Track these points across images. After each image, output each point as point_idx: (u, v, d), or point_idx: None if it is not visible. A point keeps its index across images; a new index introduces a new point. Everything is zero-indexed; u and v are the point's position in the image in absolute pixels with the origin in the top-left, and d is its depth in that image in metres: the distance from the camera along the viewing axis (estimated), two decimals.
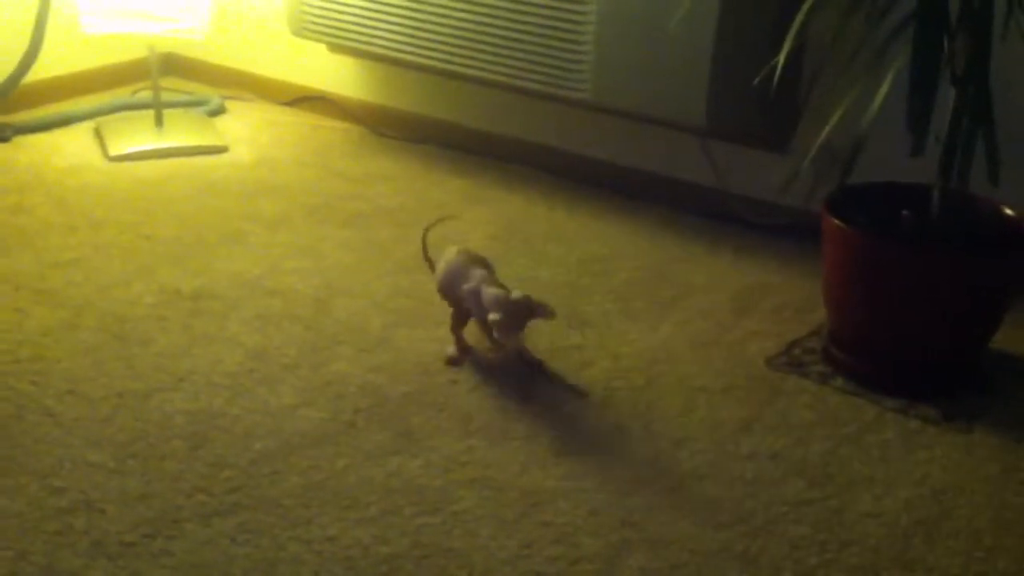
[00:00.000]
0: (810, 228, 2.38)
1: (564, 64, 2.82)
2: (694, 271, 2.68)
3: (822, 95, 2.20)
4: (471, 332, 2.29)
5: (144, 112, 3.41)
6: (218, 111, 3.56)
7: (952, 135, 2.11)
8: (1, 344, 2.25)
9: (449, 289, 2.25)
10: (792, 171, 2.30)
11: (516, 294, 2.13)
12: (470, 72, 3.00)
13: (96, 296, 2.45)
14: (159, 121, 3.31)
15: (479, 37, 2.95)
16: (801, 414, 2.14)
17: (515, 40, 2.89)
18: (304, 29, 3.28)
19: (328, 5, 3.20)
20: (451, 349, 2.26)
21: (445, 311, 2.28)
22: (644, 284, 2.61)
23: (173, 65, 3.81)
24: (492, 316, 2.08)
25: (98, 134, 3.32)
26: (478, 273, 2.20)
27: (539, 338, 2.35)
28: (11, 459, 1.92)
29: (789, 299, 2.56)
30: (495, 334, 2.11)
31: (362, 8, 3.13)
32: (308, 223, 2.86)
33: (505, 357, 2.25)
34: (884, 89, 2.15)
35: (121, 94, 3.64)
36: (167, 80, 3.66)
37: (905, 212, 2.24)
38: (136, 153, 3.20)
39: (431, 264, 2.38)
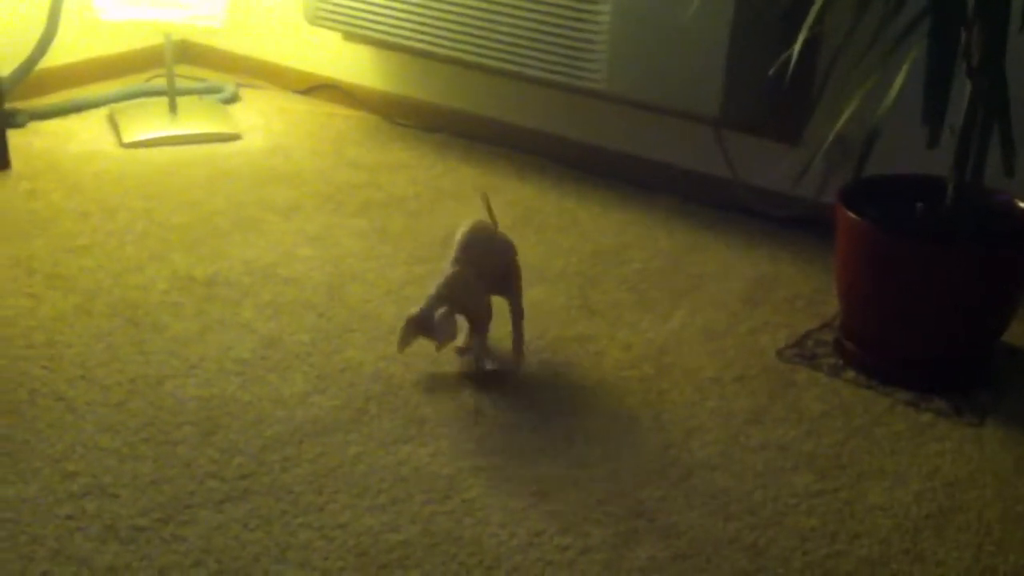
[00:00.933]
0: (823, 220, 2.37)
1: (579, 54, 2.82)
2: (706, 262, 2.68)
3: (836, 87, 2.19)
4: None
5: (158, 99, 3.42)
6: (232, 99, 3.56)
7: (967, 128, 2.10)
8: (14, 329, 2.26)
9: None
10: (805, 163, 2.29)
11: (412, 310, 2.12)
12: (484, 61, 3.00)
13: (109, 282, 2.46)
14: (173, 108, 3.32)
15: (494, 26, 2.95)
16: (812, 406, 2.14)
17: (530, 29, 2.89)
18: (319, 17, 3.28)
19: None
20: (461, 340, 2.23)
21: None
22: (656, 274, 2.61)
23: (187, 52, 3.82)
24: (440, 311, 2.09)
25: (112, 120, 3.33)
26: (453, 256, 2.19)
27: (550, 328, 2.35)
28: (24, 443, 1.93)
29: (801, 291, 2.56)
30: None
31: None
32: (321, 211, 2.86)
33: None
34: (899, 81, 2.14)
35: (135, 81, 3.65)
36: (181, 67, 3.66)
37: (919, 204, 2.23)
38: (150, 140, 3.21)
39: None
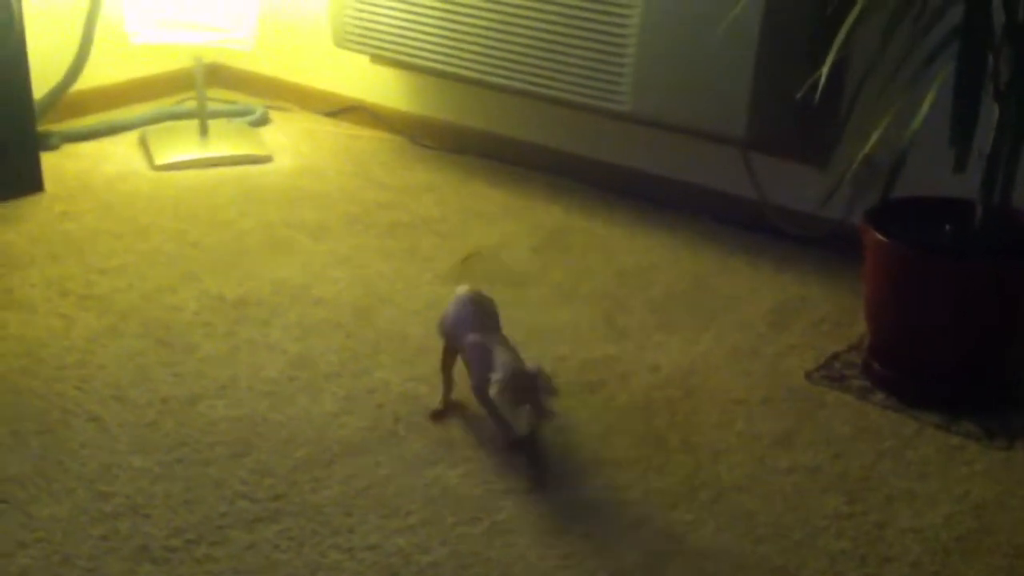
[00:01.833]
0: (851, 241, 2.37)
1: (604, 76, 2.84)
2: (733, 283, 2.68)
3: (864, 108, 2.20)
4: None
5: (189, 122, 3.45)
6: (262, 121, 3.60)
7: (995, 150, 2.10)
8: (48, 350, 2.29)
9: (451, 331, 2.11)
10: (833, 184, 2.30)
11: (531, 365, 1.96)
12: (510, 83, 3.01)
13: (141, 302, 2.49)
14: (204, 131, 3.35)
15: (520, 49, 2.97)
16: (841, 428, 2.14)
17: (556, 52, 2.90)
18: (347, 40, 3.31)
19: (370, 17, 3.22)
20: (438, 403, 2.15)
21: None
22: (683, 296, 2.62)
23: (217, 75, 3.86)
24: (495, 376, 1.93)
25: (144, 143, 3.36)
26: (489, 324, 2.07)
27: (577, 350, 2.36)
28: (58, 464, 1.95)
29: (829, 312, 2.55)
30: (494, 396, 1.97)
31: (404, 20, 3.15)
32: (349, 232, 2.88)
33: (498, 427, 2.05)
34: (927, 104, 2.15)
35: (166, 103, 3.69)
36: (211, 90, 3.70)
37: (947, 226, 2.23)
38: (181, 162, 3.24)
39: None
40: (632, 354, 2.37)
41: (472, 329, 2.06)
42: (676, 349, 2.39)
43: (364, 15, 3.24)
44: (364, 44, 3.28)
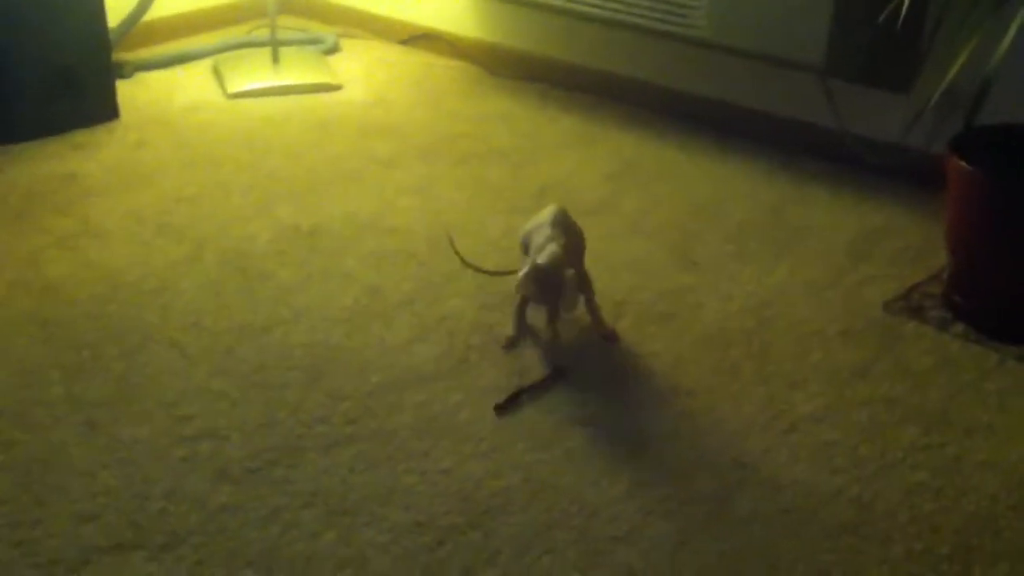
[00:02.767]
0: (932, 170, 2.32)
1: (682, 0, 2.78)
2: (811, 213, 2.64)
3: (948, 34, 2.13)
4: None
5: (261, 50, 3.46)
6: (333, 49, 3.59)
7: None
8: (126, 277, 2.32)
9: (524, 239, 2.15)
10: (915, 112, 2.24)
11: (547, 259, 2.00)
12: (586, 10, 2.97)
13: (217, 232, 2.51)
14: (276, 59, 3.36)
15: None
16: (919, 360, 2.11)
17: None
18: None
19: None
20: (510, 327, 2.16)
21: None
22: (759, 226, 2.58)
23: (289, 3, 3.85)
24: (524, 268, 1.99)
25: (216, 71, 3.38)
26: (558, 235, 2.08)
27: (650, 280, 2.34)
28: (139, 387, 1.99)
29: (909, 243, 2.51)
30: (518, 286, 2.02)
31: None
32: (422, 162, 2.88)
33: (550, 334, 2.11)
34: (1013, 30, 2.07)
35: (238, 32, 3.69)
36: (283, 18, 3.69)
37: None
38: (253, 90, 3.25)
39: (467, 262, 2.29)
40: (706, 284, 2.34)
41: (538, 233, 2.08)
42: (751, 280, 2.36)
43: None
44: None
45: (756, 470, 1.82)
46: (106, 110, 3.03)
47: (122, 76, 3.28)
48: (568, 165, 2.87)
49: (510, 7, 3.35)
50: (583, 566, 1.63)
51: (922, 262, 2.43)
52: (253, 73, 3.32)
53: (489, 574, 1.61)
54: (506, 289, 2.23)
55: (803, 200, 2.70)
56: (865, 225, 2.58)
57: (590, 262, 2.25)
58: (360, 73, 3.44)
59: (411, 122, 3.11)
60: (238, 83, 3.27)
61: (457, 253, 2.26)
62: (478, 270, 2.26)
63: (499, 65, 3.46)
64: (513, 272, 2.19)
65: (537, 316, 2.16)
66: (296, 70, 3.35)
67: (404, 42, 3.66)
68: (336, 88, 3.31)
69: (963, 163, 2.13)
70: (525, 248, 2.16)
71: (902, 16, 2.04)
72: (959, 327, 2.20)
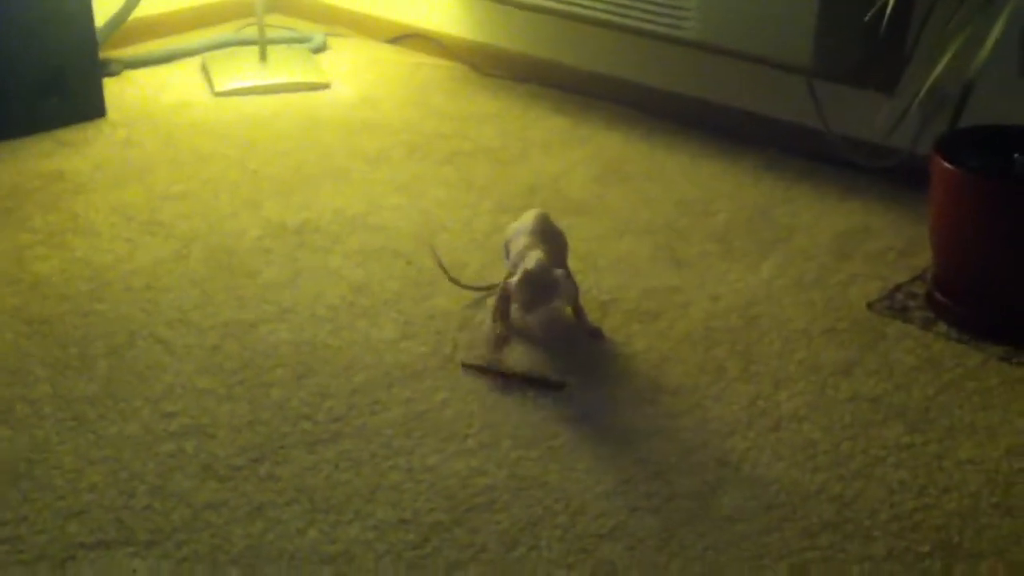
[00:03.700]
0: (917, 170, 2.33)
1: (670, 2, 2.79)
2: (796, 213, 2.65)
3: (932, 35, 2.14)
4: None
5: (249, 48, 3.46)
6: (321, 48, 3.60)
7: None
8: (114, 274, 2.32)
9: (508, 245, 2.17)
10: (900, 112, 2.25)
11: (534, 264, 2.02)
12: (573, 10, 2.98)
13: (204, 228, 2.51)
14: (263, 57, 3.36)
15: None
16: (903, 359, 2.12)
17: None
18: None
19: None
20: (497, 327, 2.16)
21: None
22: (744, 225, 2.59)
23: (277, 1, 3.86)
24: (519, 269, 2.02)
25: (204, 69, 3.38)
26: (538, 242, 2.10)
27: (636, 279, 2.35)
28: (125, 384, 1.99)
29: (893, 242, 2.52)
30: (513, 287, 2.03)
31: None
32: (409, 160, 2.88)
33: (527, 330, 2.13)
34: (997, 31, 2.09)
35: (226, 30, 3.69)
36: (271, 17, 3.70)
37: (1017, 155, 2.18)
38: (241, 88, 3.26)
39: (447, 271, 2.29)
40: (692, 284, 2.35)
41: (519, 238, 2.11)
42: (737, 279, 2.38)
43: None
44: None
45: (740, 468, 1.83)
46: (94, 108, 3.03)
47: (110, 74, 3.28)
48: (555, 164, 2.88)
49: (498, 7, 3.35)
50: (568, 563, 1.63)
51: (906, 262, 2.44)
52: (241, 71, 3.33)
53: (474, 571, 1.62)
54: (493, 290, 2.24)
55: (789, 200, 2.71)
56: (850, 225, 2.60)
57: (576, 262, 2.26)
58: (348, 72, 3.45)
59: (398, 121, 3.12)
60: (226, 81, 3.28)
61: (445, 271, 2.26)
62: (464, 287, 2.26)
63: (487, 64, 3.47)
64: (495, 286, 2.21)
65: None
66: (284, 68, 3.35)
67: (392, 41, 3.66)
68: (324, 86, 3.32)
69: (947, 163, 2.14)
70: (507, 252, 2.17)
71: (886, 16, 2.06)
72: (942, 327, 2.21)
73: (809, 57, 2.63)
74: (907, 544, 1.68)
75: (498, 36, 3.45)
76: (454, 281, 2.26)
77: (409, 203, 2.66)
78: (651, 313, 2.25)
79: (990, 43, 2.09)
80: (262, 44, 3.35)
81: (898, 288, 2.34)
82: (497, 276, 2.31)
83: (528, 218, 2.17)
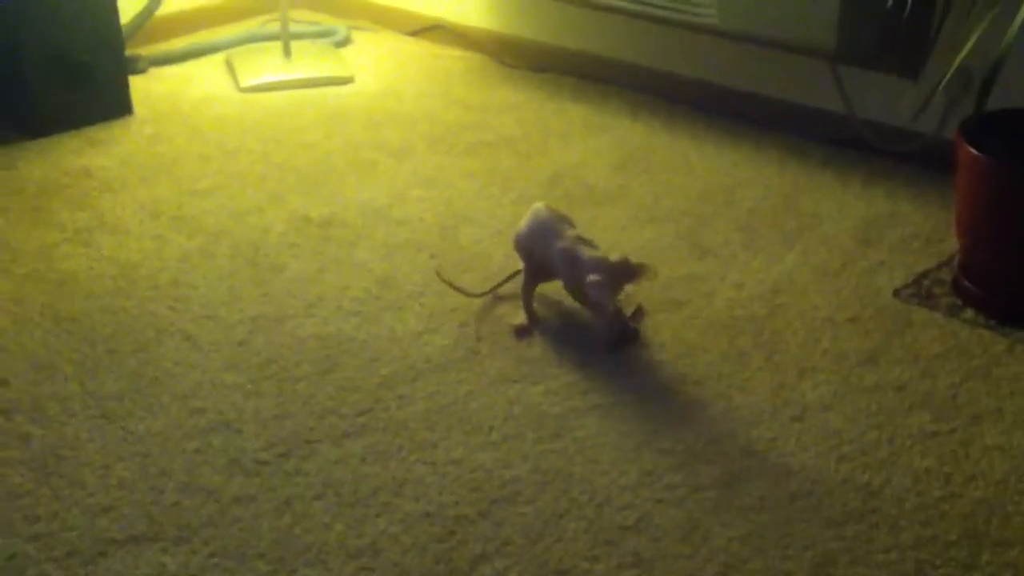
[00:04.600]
0: (943, 156, 2.32)
1: None
2: (821, 200, 2.64)
3: (957, 18, 2.13)
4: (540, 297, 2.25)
5: (273, 43, 3.47)
6: (344, 42, 3.61)
7: None
8: (141, 270, 2.35)
9: (532, 245, 2.16)
10: (925, 97, 2.24)
11: (615, 256, 2.05)
12: None
13: (231, 224, 2.53)
14: (287, 52, 3.37)
15: None
16: (928, 346, 2.11)
17: None
18: None
19: None
20: (520, 317, 2.18)
21: None
22: (769, 213, 2.59)
23: None
24: (592, 278, 2.00)
25: (229, 65, 3.39)
26: (571, 232, 2.11)
27: (661, 268, 2.35)
28: (153, 380, 2.01)
29: (919, 229, 2.51)
30: (594, 297, 2.01)
31: None
32: (433, 152, 2.89)
33: (605, 321, 2.09)
34: (1023, 12, 2.07)
35: (250, 25, 3.71)
36: (294, 12, 3.71)
37: None
38: (266, 84, 3.27)
39: (458, 287, 2.28)
40: (716, 272, 2.35)
41: (558, 237, 2.10)
42: (761, 267, 2.37)
43: None
44: None
45: (765, 458, 1.83)
46: (121, 105, 3.05)
47: (136, 71, 3.30)
48: (577, 154, 2.88)
49: None
50: (594, 555, 1.64)
51: (932, 248, 2.43)
52: (265, 66, 3.34)
53: (499, 564, 1.63)
54: (517, 281, 2.24)
55: (813, 187, 2.70)
56: (875, 211, 2.58)
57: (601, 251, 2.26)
58: (371, 65, 3.46)
59: (421, 113, 3.13)
60: (251, 77, 3.29)
61: (462, 291, 2.26)
62: (483, 294, 2.26)
63: (508, 55, 3.47)
64: (512, 276, 2.23)
65: (541, 306, 2.17)
66: (308, 63, 3.37)
67: (413, 33, 3.67)
68: (348, 80, 3.33)
69: (972, 149, 2.13)
70: (527, 255, 2.17)
71: (910, 0, 2.04)
72: (969, 313, 2.20)
73: (832, 41, 2.62)
74: (934, 533, 1.68)
75: (518, 26, 3.45)
76: (472, 294, 2.25)
77: (433, 195, 2.67)
78: (675, 302, 2.25)
79: (1015, 25, 2.07)
80: (286, 39, 3.37)
81: (924, 275, 2.33)
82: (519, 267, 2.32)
83: (543, 214, 2.16)
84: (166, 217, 2.56)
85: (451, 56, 3.53)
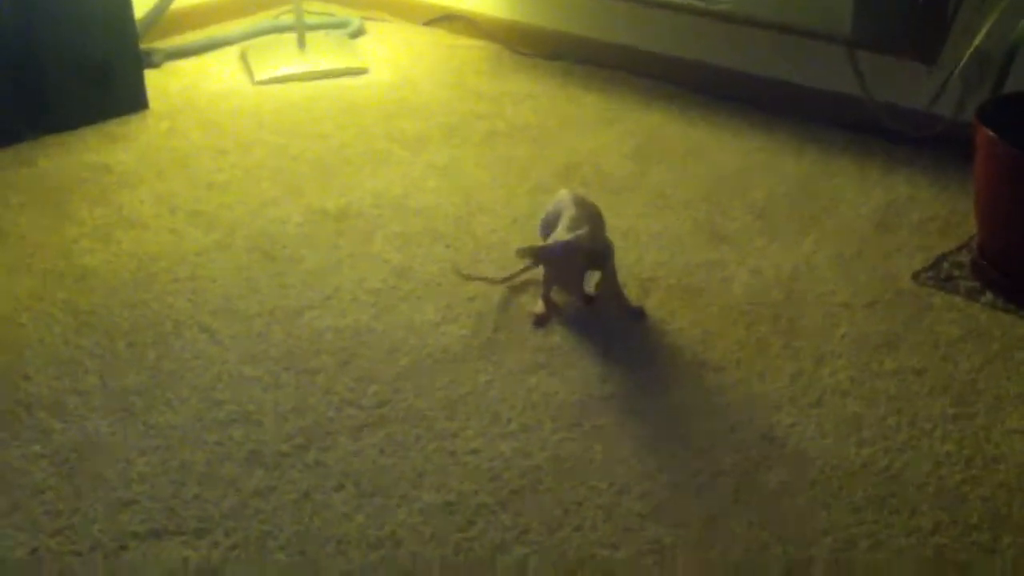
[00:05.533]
0: (960, 140, 2.31)
1: None
2: (838, 185, 2.63)
3: (974, 1, 2.11)
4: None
5: (287, 35, 3.48)
6: (358, 33, 3.60)
7: None
8: (159, 264, 2.35)
9: (544, 234, 2.19)
10: (942, 81, 2.23)
11: (570, 236, 2.05)
12: None
13: (247, 217, 2.54)
14: (302, 44, 3.37)
15: None
16: (948, 330, 2.10)
17: None
18: None
19: None
20: (539, 306, 2.18)
21: None
22: (786, 199, 2.58)
23: None
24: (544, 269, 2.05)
25: (244, 58, 3.40)
26: (569, 213, 2.12)
27: (677, 255, 2.35)
28: (172, 373, 2.02)
29: (937, 213, 2.49)
30: (543, 288, 2.08)
31: None
32: (447, 142, 2.89)
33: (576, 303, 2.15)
34: None
35: (264, 18, 3.71)
36: (308, 3, 3.71)
37: None
38: (281, 76, 3.27)
39: (479, 277, 2.29)
40: (733, 259, 2.34)
41: (558, 225, 2.11)
42: (778, 253, 2.36)
43: None
44: None
45: (784, 444, 1.83)
46: (137, 100, 3.06)
47: (151, 65, 3.31)
48: (592, 142, 2.87)
49: None
50: (613, 542, 1.64)
51: (951, 232, 2.41)
52: (280, 59, 3.34)
53: (520, 552, 1.63)
54: (534, 271, 2.24)
55: (830, 172, 2.69)
56: (893, 195, 2.57)
57: (617, 239, 2.26)
58: (385, 55, 3.46)
59: (436, 102, 3.12)
60: (265, 70, 3.30)
61: (486, 279, 2.27)
62: (505, 280, 2.26)
63: (521, 43, 3.46)
64: (519, 273, 2.24)
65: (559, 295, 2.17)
66: (322, 55, 3.37)
67: (427, 23, 3.66)
68: (362, 71, 3.33)
69: (990, 132, 2.11)
70: (546, 236, 2.17)
71: None
72: (988, 296, 2.19)
73: (849, 26, 2.60)
74: (954, 517, 1.67)
75: (531, 14, 3.44)
76: (495, 281, 2.25)
77: (448, 185, 2.67)
78: (693, 289, 2.24)
79: None
80: (300, 31, 3.37)
81: (943, 258, 2.32)
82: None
83: (565, 198, 2.18)
84: (183, 211, 2.56)
85: (465, 45, 3.52)
